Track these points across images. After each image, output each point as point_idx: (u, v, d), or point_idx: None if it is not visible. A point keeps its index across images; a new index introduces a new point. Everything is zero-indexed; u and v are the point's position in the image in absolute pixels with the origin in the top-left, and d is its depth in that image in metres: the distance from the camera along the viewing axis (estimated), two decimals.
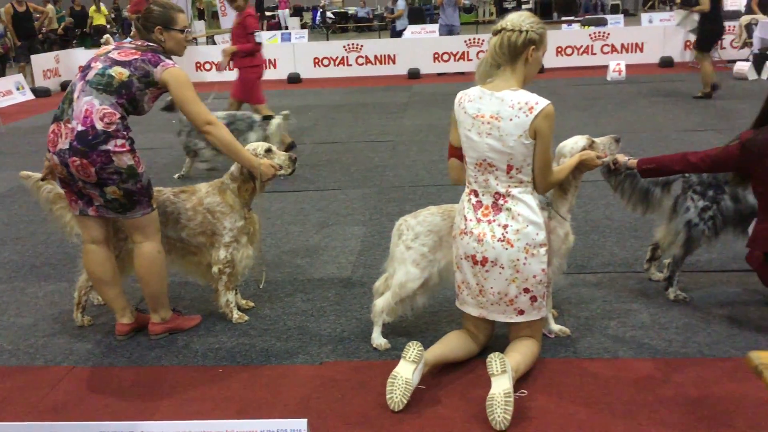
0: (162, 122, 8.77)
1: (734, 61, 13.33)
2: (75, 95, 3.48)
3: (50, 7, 21.60)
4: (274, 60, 16.17)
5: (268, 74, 15.96)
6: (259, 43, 8.26)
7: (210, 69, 16.02)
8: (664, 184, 4.08)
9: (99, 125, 3.40)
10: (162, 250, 3.75)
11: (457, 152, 3.38)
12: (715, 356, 3.45)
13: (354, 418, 3.06)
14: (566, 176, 3.41)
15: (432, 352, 3.29)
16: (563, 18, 22.70)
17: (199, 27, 22.54)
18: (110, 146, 3.41)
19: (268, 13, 31.85)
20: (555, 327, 3.71)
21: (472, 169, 3.24)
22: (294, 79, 15.43)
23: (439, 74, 15.44)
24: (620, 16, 18.06)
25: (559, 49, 15.41)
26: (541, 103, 3.04)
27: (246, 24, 8.04)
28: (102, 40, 16.75)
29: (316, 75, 15.91)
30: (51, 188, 3.96)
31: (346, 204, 6.29)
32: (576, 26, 17.53)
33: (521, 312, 3.27)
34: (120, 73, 3.48)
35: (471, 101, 3.18)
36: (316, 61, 16.09)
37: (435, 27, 16.49)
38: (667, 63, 14.70)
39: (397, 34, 17.66)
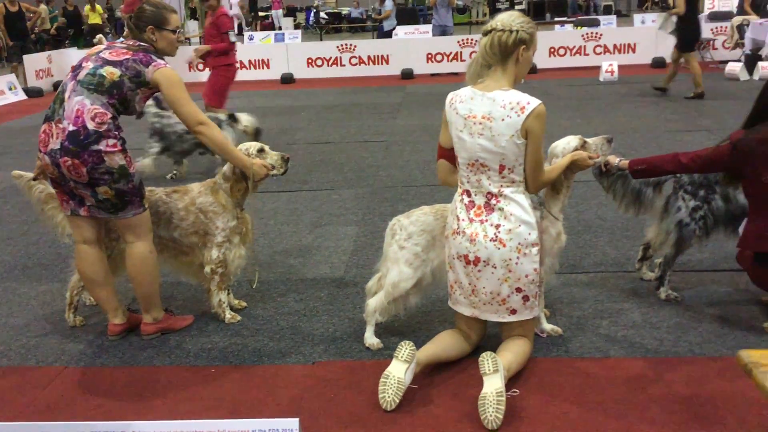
0: None
1: (726, 62, 13.39)
2: (66, 95, 3.48)
3: (43, 7, 21.58)
4: (267, 60, 16.20)
5: (262, 74, 16.09)
6: (233, 43, 8.27)
7: (203, 69, 15.96)
8: (655, 185, 4.10)
9: (90, 125, 3.40)
10: (154, 250, 3.75)
11: (446, 153, 3.39)
12: (706, 355, 3.46)
13: (346, 417, 3.06)
14: (558, 176, 3.42)
15: (424, 351, 3.30)
16: (556, 19, 22.75)
17: (192, 27, 22.49)
18: (102, 146, 3.40)
19: (261, 14, 31.85)
20: (547, 326, 3.72)
21: (465, 170, 3.25)
22: (287, 79, 15.42)
23: (433, 75, 15.46)
24: (613, 17, 18.09)
25: (552, 50, 15.46)
26: (532, 102, 3.05)
27: (219, 23, 8.08)
28: (95, 40, 16.72)
29: (309, 75, 15.91)
30: (43, 188, 3.95)
31: (339, 204, 6.29)
32: (569, 27, 17.58)
33: (514, 311, 3.28)
34: (111, 73, 3.47)
35: (462, 102, 3.18)
36: (310, 61, 16.10)
37: (428, 27, 16.52)
38: (659, 64, 14.73)
39: (385, 34, 17.67)
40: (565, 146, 3.59)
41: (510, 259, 3.18)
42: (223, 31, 8.09)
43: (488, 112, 3.10)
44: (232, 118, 7.20)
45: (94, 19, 22.48)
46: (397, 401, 3.07)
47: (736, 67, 12.60)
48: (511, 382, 3.19)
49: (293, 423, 2.30)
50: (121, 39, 3.81)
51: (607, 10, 28.39)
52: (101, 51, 3.59)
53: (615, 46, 15.44)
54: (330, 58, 16.08)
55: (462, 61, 15.27)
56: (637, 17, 17.91)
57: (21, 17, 15.57)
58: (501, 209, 3.18)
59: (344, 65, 16.07)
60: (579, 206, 5.80)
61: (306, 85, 14.89)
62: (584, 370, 3.37)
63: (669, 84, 11.18)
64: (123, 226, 3.65)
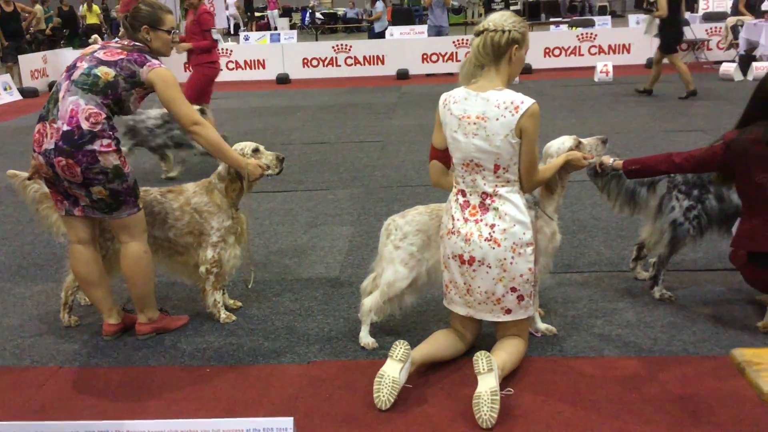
0: None
1: (720, 63, 13.41)
2: (60, 95, 3.47)
3: (38, 7, 21.53)
4: (263, 60, 16.18)
5: (258, 75, 16.08)
6: (216, 41, 8.27)
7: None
8: (649, 185, 4.11)
9: (85, 125, 3.39)
10: (148, 250, 3.75)
11: (439, 154, 3.40)
12: (700, 354, 3.47)
13: (341, 417, 3.06)
14: (552, 175, 3.43)
15: (419, 351, 3.30)
16: (551, 19, 22.78)
17: None
18: (96, 146, 3.40)
19: (257, 14, 31.82)
20: (542, 326, 3.73)
21: (460, 169, 3.26)
22: (283, 79, 15.41)
23: (428, 75, 15.46)
24: (608, 18, 18.12)
25: (547, 50, 15.48)
26: (526, 102, 3.06)
27: (201, 21, 8.08)
28: (90, 40, 16.69)
29: (305, 75, 15.89)
30: (38, 188, 3.94)
31: (334, 204, 6.29)
32: (564, 27, 17.60)
33: (508, 311, 3.29)
34: (106, 73, 3.47)
35: (456, 102, 3.19)
36: (305, 61, 16.08)
37: (424, 28, 16.53)
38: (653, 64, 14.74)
39: (376, 35, 17.67)
40: (560, 146, 3.60)
41: (505, 259, 3.18)
42: (206, 28, 8.08)
43: (482, 112, 3.10)
44: (201, 112, 7.18)
45: (92, 19, 22.46)
46: (392, 400, 3.07)
47: (730, 68, 12.63)
48: (506, 381, 3.19)
49: (288, 422, 2.30)
50: (116, 39, 3.80)
51: (602, 11, 28.44)
52: (96, 51, 3.59)
53: (610, 47, 15.45)
54: (325, 58, 16.07)
55: (457, 61, 15.26)
56: (632, 18, 17.95)
57: (16, 17, 15.53)
58: (496, 209, 3.18)
59: (340, 65, 16.06)
60: (573, 206, 5.81)
61: (301, 86, 14.88)
62: (578, 369, 3.38)
63: (653, 86, 11.23)
64: (117, 226, 3.65)
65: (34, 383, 3.47)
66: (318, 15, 30.93)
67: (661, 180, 4.07)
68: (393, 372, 3.09)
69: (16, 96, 14.59)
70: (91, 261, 3.72)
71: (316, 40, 22.83)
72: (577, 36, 15.65)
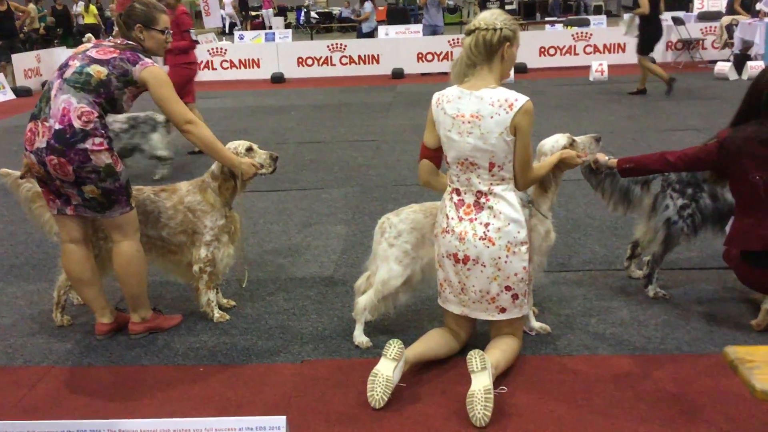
0: None
1: (715, 62, 13.45)
2: (52, 93, 3.46)
3: (32, 6, 21.43)
4: (258, 60, 16.15)
5: (252, 74, 16.06)
6: (195, 41, 8.25)
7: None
8: (643, 183, 4.11)
9: (77, 124, 3.38)
10: (141, 249, 3.73)
11: (430, 153, 3.39)
12: (694, 353, 3.48)
13: (335, 415, 3.06)
14: (546, 173, 3.43)
15: (413, 350, 3.30)
16: (546, 18, 22.80)
17: None
18: (88, 145, 3.39)
19: (252, 13, 31.78)
20: (536, 324, 3.73)
21: (454, 168, 3.25)
22: (278, 78, 15.39)
23: (423, 74, 15.46)
24: (603, 17, 18.14)
25: (542, 50, 15.50)
26: (520, 99, 3.06)
27: (180, 22, 8.05)
28: (84, 39, 16.64)
29: (299, 75, 15.88)
30: (30, 186, 3.92)
31: (328, 203, 6.29)
32: (559, 27, 17.62)
33: (503, 310, 3.29)
34: (98, 71, 3.46)
35: (450, 102, 3.19)
36: (300, 60, 16.06)
37: (419, 27, 16.52)
38: None
39: (364, 35, 17.66)
40: (554, 144, 3.60)
41: (499, 258, 3.18)
42: (184, 29, 8.06)
43: (477, 110, 3.10)
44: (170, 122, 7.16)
45: (89, 19, 22.41)
46: (386, 399, 3.07)
47: (725, 67, 12.66)
48: (500, 379, 3.19)
49: (280, 421, 2.29)
50: (110, 38, 3.79)
51: (597, 10, 28.47)
52: (88, 49, 3.57)
53: (605, 46, 15.47)
54: (320, 57, 16.05)
55: (452, 60, 15.25)
56: (627, 17, 17.93)
57: (10, 16, 15.47)
58: (490, 207, 3.18)
59: (335, 65, 16.04)
60: (568, 205, 5.81)
61: (296, 85, 14.87)
62: (572, 367, 3.38)
63: (644, 84, 11.28)
64: (110, 226, 3.64)
65: (27, 382, 3.45)
66: (313, 14, 30.91)
67: (655, 178, 4.07)
68: (387, 371, 3.09)
69: (10, 95, 14.53)
70: (83, 260, 3.70)
71: (311, 39, 22.82)
72: (573, 35, 15.67)
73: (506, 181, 3.19)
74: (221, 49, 16.34)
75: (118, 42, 3.61)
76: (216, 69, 16.19)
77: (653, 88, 11.28)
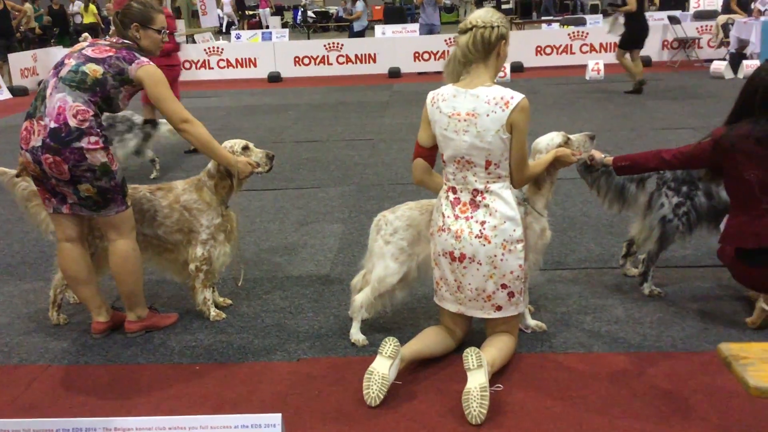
0: None
1: (711, 61, 13.46)
2: (48, 92, 3.45)
3: (28, 5, 21.39)
4: (255, 59, 16.16)
5: (249, 73, 16.05)
6: (179, 44, 8.24)
7: (189, 68, 15.97)
8: (638, 181, 4.12)
9: (72, 122, 3.38)
10: (137, 247, 3.73)
11: (424, 152, 3.39)
12: (689, 350, 3.49)
13: (331, 413, 3.06)
14: (541, 171, 3.44)
15: (409, 347, 3.30)
16: (543, 18, 22.81)
17: (179, 26, 22.38)
18: (83, 143, 3.39)
19: (249, 12, 31.75)
20: (531, 322, 3.73)
21: (450, 167, 3.26)
22: (274, 78, 15.39)
23: (420, 73, 15.46)
24: (599, 16, 18.17)
25: (539, 49, 15.51)
26: (516, 97, 3.07)
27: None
28: (80, 38, 16.62)
29: (296, 74, 15.88)
30: (26, 185, 3.92)
31: (325, 202, 6.29)
32: (555, 26, 17.63)
33: (499, 308, 3.29)
34: (94, 70, 3.45)
35: (445, 100, 3.20)
36: (297, 60, 16.06)
37: (415, 26, 16.51)
38: (644, 62, 14.75)
39: (356, 34, 17.67)
40: (549, 142, 3.61)
41: (495, 256, 3.19)
42: (169, 32, 8.07)
43: (473, 108, 3.11)
44: (151, 124, 7.14)
45: (89, 18, 22.37)
46: (382, 397, 3.07)
47: (720, 66, 12.68)
48: (495, 377, 3.20)
49: (276, 418, 2.30)
50: (106, 37, 3.79)
51: (594, 10, 28.49)
52: (84, 48, 3.57)
53: (601, 45, 15.46)
54: (317, 56, 16.05)
55: (446, 59, 15.27)
56: (611, 18, 17.99)
57: (6, 16, 15.45)
58: (486, 206, 3.19)
59: (331, 64, 16.04)
60: (564, 203, 5.82)
61: (293, 84, 14.86)
62: (568, 365, 3.39)
63: (636, 80, 11.30)
64: (106, 224, 3.64)
65: (23, 381, 3.45)
66: (310, 13, 30.90)
67: (650, 176, 4.07)
68: (383, 369, 3.09)
69: (6, 95, 14.51)
70: (79, 259, 3.70)
71: (308, 38, 22.79)
72: (569, 34, 15.68)
73: (502, 179, 3.20)
74: (218, 48, 16.33)
75: (114, 41, 3.61)
76: (213, 68, 16.19)
77: (649, 87, 11.30)
